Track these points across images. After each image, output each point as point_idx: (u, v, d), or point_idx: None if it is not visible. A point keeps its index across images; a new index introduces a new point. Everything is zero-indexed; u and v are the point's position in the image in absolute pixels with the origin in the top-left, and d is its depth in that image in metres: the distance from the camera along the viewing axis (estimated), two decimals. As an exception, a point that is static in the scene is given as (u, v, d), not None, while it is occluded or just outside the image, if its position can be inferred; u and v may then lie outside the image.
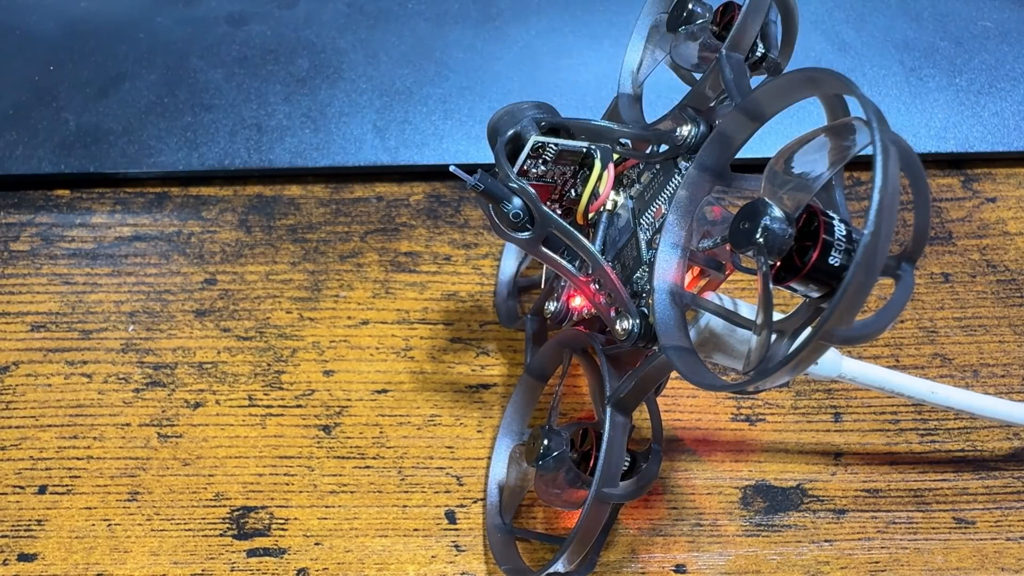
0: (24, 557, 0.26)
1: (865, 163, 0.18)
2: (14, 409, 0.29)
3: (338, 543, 0.26)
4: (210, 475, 0.27)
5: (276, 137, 0.34)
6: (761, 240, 0.18)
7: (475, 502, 0.27)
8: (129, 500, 0.27)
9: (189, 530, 0.26)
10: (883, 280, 0.17)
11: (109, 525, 0.26)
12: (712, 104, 0.23)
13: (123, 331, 0.30)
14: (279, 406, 0.29)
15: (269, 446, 0.28)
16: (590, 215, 0.25)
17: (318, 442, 0.28)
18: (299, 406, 0.29)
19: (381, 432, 0.28)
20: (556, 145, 0.24)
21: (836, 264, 0.18)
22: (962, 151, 0.35)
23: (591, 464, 0.23)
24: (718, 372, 0.23)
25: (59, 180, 0.34)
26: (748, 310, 0.22)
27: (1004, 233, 0.33)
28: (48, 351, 0.30)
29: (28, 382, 0.29)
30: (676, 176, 0.23)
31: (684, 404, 0.29)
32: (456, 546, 0.26)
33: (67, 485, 0.27)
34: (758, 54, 0.24)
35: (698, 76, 0.25)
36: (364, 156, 0.34)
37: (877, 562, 0.26)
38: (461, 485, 0.27)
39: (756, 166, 0.21)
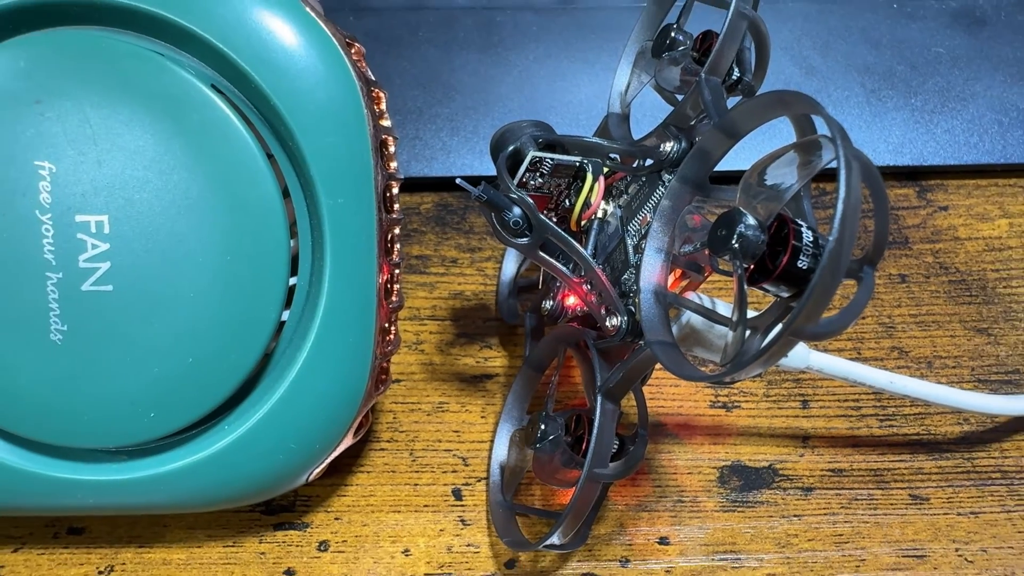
0: (73, 531, 0.26)
1: (830, 176, 0.18)
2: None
3: (356, 518, 0.26)
4: (240, 457, 0.27)
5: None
6: (737, 245, 0.18)
7: (479, 481, 0.27)
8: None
9: (222, 506, 0.26)
10: (847, 281, 0.17)
11: (150, 502, 0.26)
12: (692, 123, 0.23)
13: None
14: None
15: (294, 430, 0.28)
16: (582, 223, 0.25)
17: (338, 427, 0.28)
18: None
19: (394, 418, 0.28)
20: (552, 160, 0.24)
21: (804, 267, 0.18)
22: (917, 164, 0.35)
23: (583, 447, 0.23)
24: (698, 364, 0.23)
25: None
26: (725, 308, 0.23)
27: (955, 238, 0.33)
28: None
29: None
30: (660, 188, 0.23)
31: (667, 392, 0.29)
32: (462, 520, 0.26)
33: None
34: (734, 77, 0.24)
35: (680, 97, 0.25)
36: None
37: (841, 535, 0.26)
38: (466, 465, 0.27)
39: (732, 178, 0.21)
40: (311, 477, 0.24)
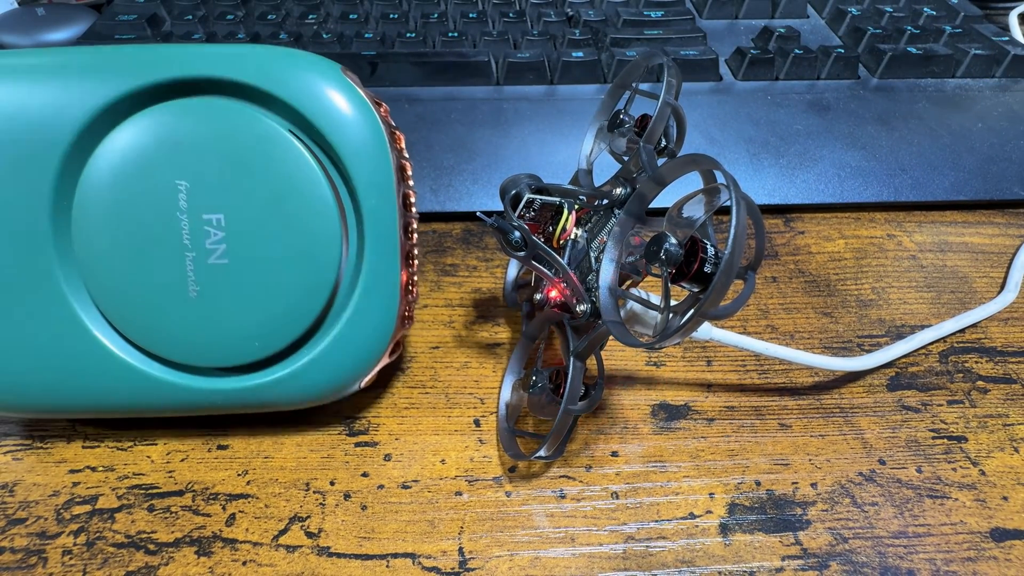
0: (221, 447, 0.26)
1: (725, 210, 0.18)
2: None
3: (409, 439, 0.26)
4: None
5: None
6: (664, 257, 0.18)
7: (491, 414, 0.27)
8: (284, 414, 0.27)
9: (320, 430, 0.26)
10: (737, 281, 0.17)
11: (272, 427, 0.26)
12: (634, 175, 0.24)
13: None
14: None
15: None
16: (561, 242, 0.25)
17: (398, 377, 0.28)
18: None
19: (435, 372, 0.28)
20: (540, 199, 0.24)
21: (708, 271, 0.18)
22: (784, 203, 0.35)
23: (561, 391, 0.23)
24: (638, 336, 0.23)
25: None
26: (655, 299, 0.23)
27: (809, 252, 0.33)
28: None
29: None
30: (612, 218, 0.23)
31: (617, 355, 0.29)
32: (480, 440, 0.26)
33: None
34: (663, 145, 0.24)
35: (626, 158, 0.25)
36: (425, 206, 0.34)
37: (732, 450, 0.26)
38: (483, 403, 0.27)
39: (660, 212, 0.21)
40: (362, 384, 0.24)
